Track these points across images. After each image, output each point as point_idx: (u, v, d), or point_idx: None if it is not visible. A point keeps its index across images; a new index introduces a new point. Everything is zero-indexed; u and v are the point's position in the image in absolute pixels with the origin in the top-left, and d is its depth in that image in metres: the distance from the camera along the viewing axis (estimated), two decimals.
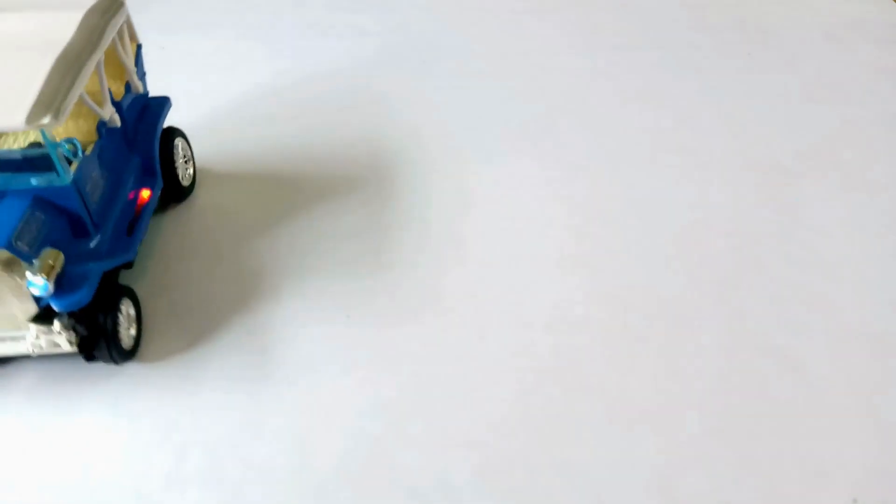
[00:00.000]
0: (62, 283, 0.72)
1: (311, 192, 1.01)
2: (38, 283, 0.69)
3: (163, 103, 0.94)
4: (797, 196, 1.01)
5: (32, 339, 0.74)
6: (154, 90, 0.96)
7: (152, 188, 0.89)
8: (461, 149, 1.08)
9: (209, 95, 1.17)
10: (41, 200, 0.74)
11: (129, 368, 0.81)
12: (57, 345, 0.74)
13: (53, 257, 0.71)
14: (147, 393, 0.79)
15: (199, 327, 0.85)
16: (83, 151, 0.76)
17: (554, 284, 0.89)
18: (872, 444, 0.75)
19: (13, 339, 0.75)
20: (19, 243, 0.70)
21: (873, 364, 0.82)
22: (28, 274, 0.69)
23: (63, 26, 0.76)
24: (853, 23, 1.34)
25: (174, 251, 0.93)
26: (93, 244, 0.78)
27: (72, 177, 0.74)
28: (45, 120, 0.67)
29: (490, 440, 0.75)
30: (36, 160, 0.73)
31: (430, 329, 0.85)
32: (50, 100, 0.69)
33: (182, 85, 1.12)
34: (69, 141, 0.72)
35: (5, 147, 0.82)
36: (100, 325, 0.75)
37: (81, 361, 0.80)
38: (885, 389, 0.80)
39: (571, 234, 0.96)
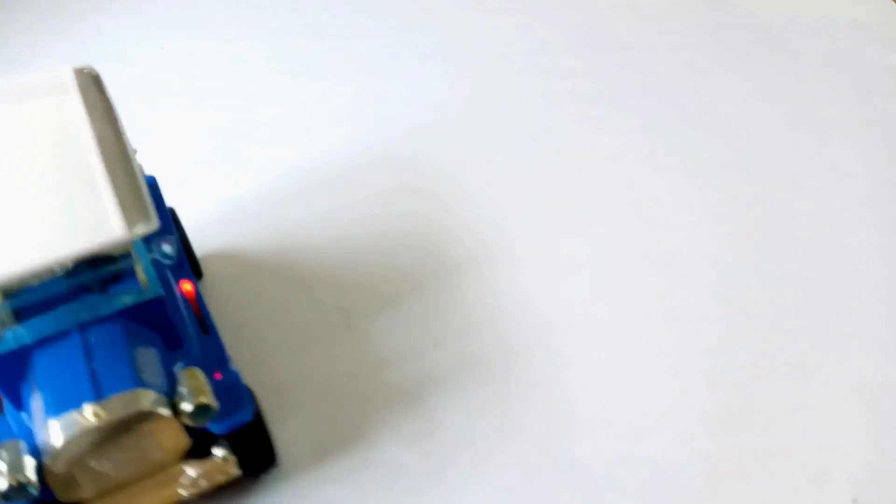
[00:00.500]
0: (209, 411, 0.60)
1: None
2: (209, 407, 0.59)
3: (153, 183, 0.79)
4: (797, 196, 1.01)
5: (194, 477, 0.62)
6: (156, 90, 0.92)
7: (189, 277, 0.74)
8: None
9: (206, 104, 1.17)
10: (127, 323, 0.61)
11: None
12: (223, 474, 0.63)
13: (198, 376, 0.61)
14: None
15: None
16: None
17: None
18: (872, 444, 0.75)
19: (164, 486, 0.62)
20: (146, 376, 0.58)
21: (873, 364, 0.82)
22: (184, 404, 0.58)
23: (68, 111, 0.63)
24: (853, 23, 1.34)
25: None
26: (188, 353, 0.66)
27: (160, 287, 0.62)
28: (142, 227, 0.56)
29: (490, 440, 0.75)
30: (107, 280, 0.61)
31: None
32: (133, 201, 0.57)
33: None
34: (166, 241, 0.64)
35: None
36: (256, 434, 0.64)
37: None
38: (885, 390, 0.80)
39: (571, 234, 0.96)
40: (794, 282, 0.90)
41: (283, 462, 0.72)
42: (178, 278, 0.73)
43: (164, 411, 0.57)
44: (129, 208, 0.56)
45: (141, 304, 0.61)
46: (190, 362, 0.64)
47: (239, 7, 1.36)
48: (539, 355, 0.82)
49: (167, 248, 0.63)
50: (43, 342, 0.58)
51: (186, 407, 0.58)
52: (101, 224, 0.55)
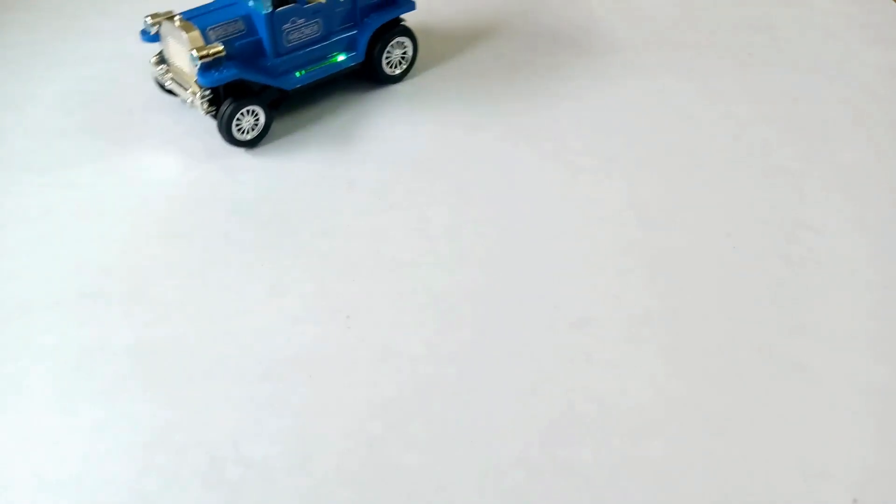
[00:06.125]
0: (211, 69, 0.98)
1: None
2: (194, 56, 0.97)
3: (405, 4, 1.14)
4: (797, 196, 1.01)
5: (188, 90, 1.04)
6: None
7: (348, 57, 1.11)
8: None
9: None
10: (249, 18, 1.03)
11: None
12: (196, 104, 1.03)
13: (215, 48, 0.98)
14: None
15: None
16: (303, 2, 1.03)
17: (555, 286, 0.89)
18: (872, 444, 0.75)
19: (185, 86, 1.05)
20: (210, 32, 1.00)
21: (873, 364, 0.82)
22: (194, 50, 0.97)
23: None
24: (853, 23, 1.34)
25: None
26: (263, 64, 1.05)
27: (269, 10, 1.01)
28: None
29: (490, 440, 0.75)
30: None
31: (432, 328, 0.85)
32: None
33: None
34: None
35: None
36: (221, 109, 1.03)
37: None
38: (885, 390, 0.80)
39: (572, 232, 0.96)
40: (794, 281, 0.90)
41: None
42: (341, 51, 1.11)
43: (184, 40, 1.00)
44: None
45: (254, 12, 1.03)
46: (259, 68, 1.05)
47: None
48: (538, 356, 0.82)
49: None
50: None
51: (194, 50, 0.99)
52: None
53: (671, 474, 0.73)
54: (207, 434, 0.76)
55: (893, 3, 1.40)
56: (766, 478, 0.73)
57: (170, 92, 1.11)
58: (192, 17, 1.02)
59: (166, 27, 1.03)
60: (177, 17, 1.01)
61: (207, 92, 1.03)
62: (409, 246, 0.94)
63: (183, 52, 1.01)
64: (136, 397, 0.79)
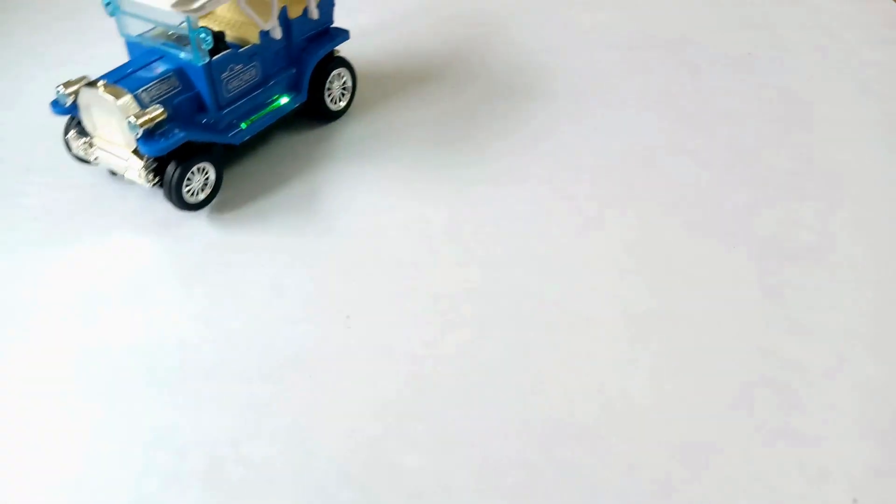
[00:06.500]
0: (154, 135, 0.89)
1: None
2: (132, 123, 0.88)
3: (339, 34, 1.09)
4: (797, 196, 1.01)
5: (124, 162, 0.93)
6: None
7: (291, 99, 1.04)
8: None
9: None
10: (183, 72, 0.93)
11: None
12: (138, 177, 0.93)
13: (155, 113, 0.89)
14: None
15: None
16: (236, 47, 0.95)
17: (558, 284, 0.89)
18: (872, 444, 0.75)
19: (121, 160, 0.94)
20: (143, 94, 0.91)
21: (873, 364, 0.82)
22: (132, 117, 0.88)
23: None
24: (853, 23, 1.34)
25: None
26: (206, 120, 0.96)
27: (205, 60, 0.92)
28: (191, 5, 0.87)
29: (490, 440, 0.75)
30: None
31: (431, 329, 0.85)
32: None
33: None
34: (204, 31, 0.89)
35: (215, 26, 1.00)
36: (167, 175, 0.93)
37: None
38: (885, 390, 0.80)
39: (571, 233, 0.96)
40: (794, 281, 0.90)
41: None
42: (283, 93, 1.05)
43: (116, 108, 0.89)
44: None
45: (188, 64, 0.93)
46: (203, 125, 0.96)
47: None
48: (536, 355, 0.82)
49: (202, 35, 0.89)
50: (145, 52, 0.96)
51: (131, 118, 0.88)
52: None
53: (671, 474, 0.73)
54: (207, 434, 0.76)
55: (894, 3, 1.40)
56: (767, 478, 0.73)
57: (85, 161, 0.99)
58: (116, 81, 0.92)
59: (86, 96, 0.91)
60: (100, 84, 0.90)
61: (150, 161, 0.92)
62: (410, 247, 0.94)
63: (112, 121, 0.91)
64: (136, 397, 0.79)
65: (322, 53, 1.06)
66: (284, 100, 1.04)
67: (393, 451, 0.74)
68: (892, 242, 0.95)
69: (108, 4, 0.95)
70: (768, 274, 0.91)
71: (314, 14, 1.04)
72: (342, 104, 1.13)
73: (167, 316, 0.86)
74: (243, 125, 0.99)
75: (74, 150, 0.98)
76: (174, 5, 0.87)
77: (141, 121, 0.88)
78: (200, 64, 0.91)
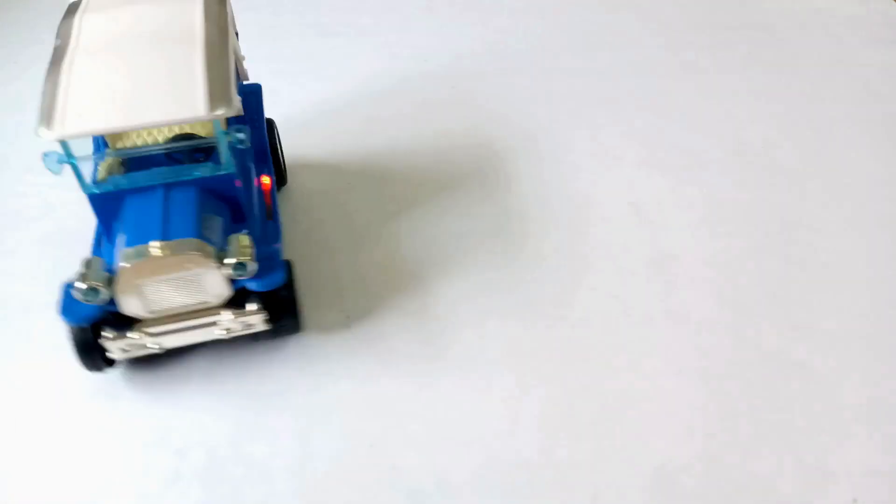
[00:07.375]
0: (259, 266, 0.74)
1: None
2: (247, 266, 0.71)
3: (257, 90, 0.95)
4: (797, 196, 1.01)
5: (227, 322, 0.76)
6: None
7: (269, 174, 0.90)
8: None
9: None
10: (205, 191, 0.75)
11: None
12: (251, 325, 0.77)
13: (246, 241, 0.73)
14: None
15: None
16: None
17: (562, 282, 0.89)
18: (872, 444, 0.75)
19: (202, 326, 0.76)
20: (206, 232, 0.72)
21: (874, 364, 0.82)
22: (228, 259, 0.71)
23: (189, 15, 0.76)
24: (853, 23, 1.34)
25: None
26: (250, 227, 0.80)
27: (236, 166, 0.75)
28: (221, 110, 0.69)
29: (490, 440, 0.75)
30: (195, 151, 0.77)
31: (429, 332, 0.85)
32: (221, 90, 0.70)
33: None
34: (239, 130, 0.72)
35: (140, 142, 0.79)
36: (286, 299, 0.77)
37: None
38: (885, 389, 0.80)
39: (573, 231, 0.96)
40: (794, 281, 0.90)
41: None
42: (259, 173, 0.89)
43: (211, 261, 0.70)
44: (216, 95, 0.69)
45: (215, 177, 0.74)
46: (248, 234, 0.76)
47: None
48: (537, 354, 0.82)
49: (241, 135, 0.72)
50: (135, 191, 0.73)
51: (229, 261, 0.71)
52: (191, 103, 0.68)
53: (671, 474, 0.73)
54: (207, 434, 0.76)
55: (894, 3, 1.40)
56: (767, 478, 0.73)
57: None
58: (159, 238, 0.70)
59: (136, 273, 0.69)
60: (152, 246, 0.69)
61: (255, 299, 0.76)
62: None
63: (192, 283, 0.72)
64: (136, 397, 0.79)
65: (264, 116, 0.94)
66: (266, 179, 0.89)
67: (393, 451, 0.74)
68: (892, 242, 0.95)
69: (48, 156, 0.70)
70: (768, 273, 0.91)
71: (246, 74, 0.91)
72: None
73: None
74: (268, 219, 0.84)
75: (117, 354, 0.75)
76: (208, 111, 0.68)
77: (242, 258, 0.71)
78: (234, 170, 0.75)
